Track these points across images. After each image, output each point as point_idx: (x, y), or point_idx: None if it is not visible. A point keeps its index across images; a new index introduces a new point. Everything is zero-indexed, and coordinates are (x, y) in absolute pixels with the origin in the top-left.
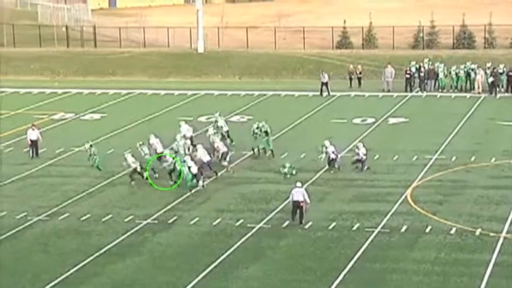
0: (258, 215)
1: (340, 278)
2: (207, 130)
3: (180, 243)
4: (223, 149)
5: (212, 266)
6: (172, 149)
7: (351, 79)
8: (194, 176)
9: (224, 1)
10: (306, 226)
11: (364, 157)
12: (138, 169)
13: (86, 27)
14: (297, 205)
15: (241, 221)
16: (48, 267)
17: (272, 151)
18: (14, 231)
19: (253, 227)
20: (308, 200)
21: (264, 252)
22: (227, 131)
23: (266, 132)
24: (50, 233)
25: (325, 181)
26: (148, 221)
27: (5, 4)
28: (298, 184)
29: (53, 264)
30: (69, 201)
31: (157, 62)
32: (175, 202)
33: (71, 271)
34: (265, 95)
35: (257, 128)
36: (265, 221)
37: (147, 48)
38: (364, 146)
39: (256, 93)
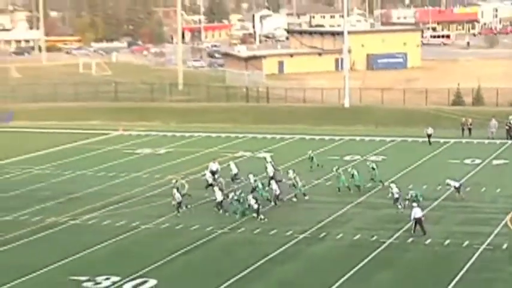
0: (389, 233)
1: (453, 284)
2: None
3: (329, 253)
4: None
5: (352, 272)
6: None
7: (463, 129)
8: (257, 210)
9: (365, 69)
10: (426, 242)
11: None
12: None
13: (261, 87)
14: (419, 221)
15: (375, 237)
16: (228, 269)
17: (381, 181)
18: (203, 240)
19: (385, 242)
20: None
21: (392, 262)
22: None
23: (373, 168)
24: (230, 243)
25: (440, 208)
26: (304, 235)
27: (202, 71)
28: (415, 204)
29: (232, 266)
30: (244, 219)
31: (313, 114)
32: (325, 221)
33: (245, 272)
34: (395, 140)
35: (336, 170)
36: (394, 237)
37: (306, 104)
38: (396, 186)
39: (388, 139)
